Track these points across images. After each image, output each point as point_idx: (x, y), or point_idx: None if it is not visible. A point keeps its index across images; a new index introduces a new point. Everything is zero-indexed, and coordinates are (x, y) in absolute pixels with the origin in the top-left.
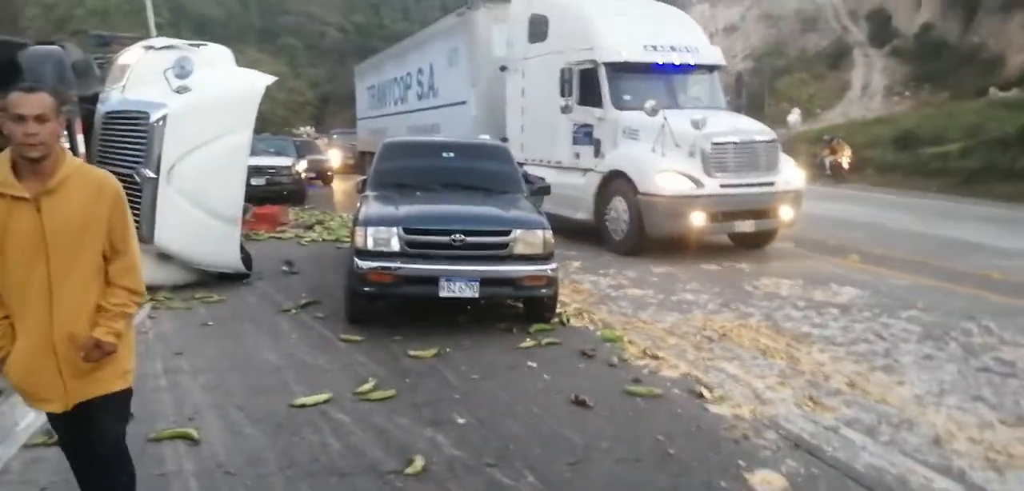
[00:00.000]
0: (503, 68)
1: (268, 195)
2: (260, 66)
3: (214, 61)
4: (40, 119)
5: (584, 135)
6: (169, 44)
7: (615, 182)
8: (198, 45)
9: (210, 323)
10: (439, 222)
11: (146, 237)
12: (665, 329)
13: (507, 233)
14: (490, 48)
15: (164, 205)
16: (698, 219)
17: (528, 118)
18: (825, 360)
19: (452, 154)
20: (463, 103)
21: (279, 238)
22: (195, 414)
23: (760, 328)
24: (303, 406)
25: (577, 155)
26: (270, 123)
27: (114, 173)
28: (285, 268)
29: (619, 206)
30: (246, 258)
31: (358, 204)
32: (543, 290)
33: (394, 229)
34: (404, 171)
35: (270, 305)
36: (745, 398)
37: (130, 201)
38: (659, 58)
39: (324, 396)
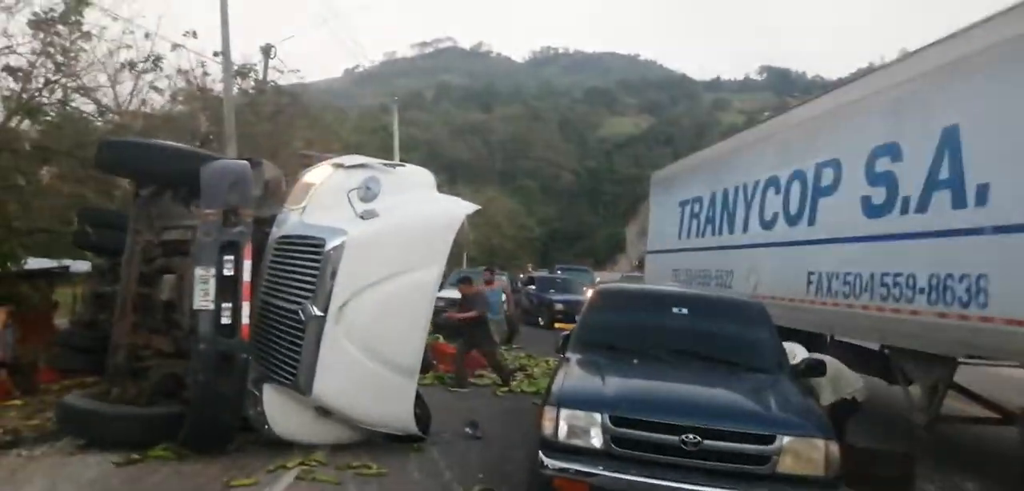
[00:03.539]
0: None
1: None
2: (493, 203)
3: (410, 184)
4: None
5: None
6: (361, 162)
7: None
8: (394, 165)
9: None
10: (665, 411)
11: (303, 387)
12: None
13: (769, 440)
14: None
15: (329, 351)
16: None
17: None
18: None
19: (685, 310)
20: None
21: (476, 384)
22: None
23: None
24: None
25: None
26: (497, 255)
27: (279, 307)
28: (467, 430)
29: None
30: (423, 414)
31: (554, 370)
32: None
33: (597, 416)
34: (619, 329)
35: (434, 489)
36: None
37: (291, 341)
38: None
39: None
